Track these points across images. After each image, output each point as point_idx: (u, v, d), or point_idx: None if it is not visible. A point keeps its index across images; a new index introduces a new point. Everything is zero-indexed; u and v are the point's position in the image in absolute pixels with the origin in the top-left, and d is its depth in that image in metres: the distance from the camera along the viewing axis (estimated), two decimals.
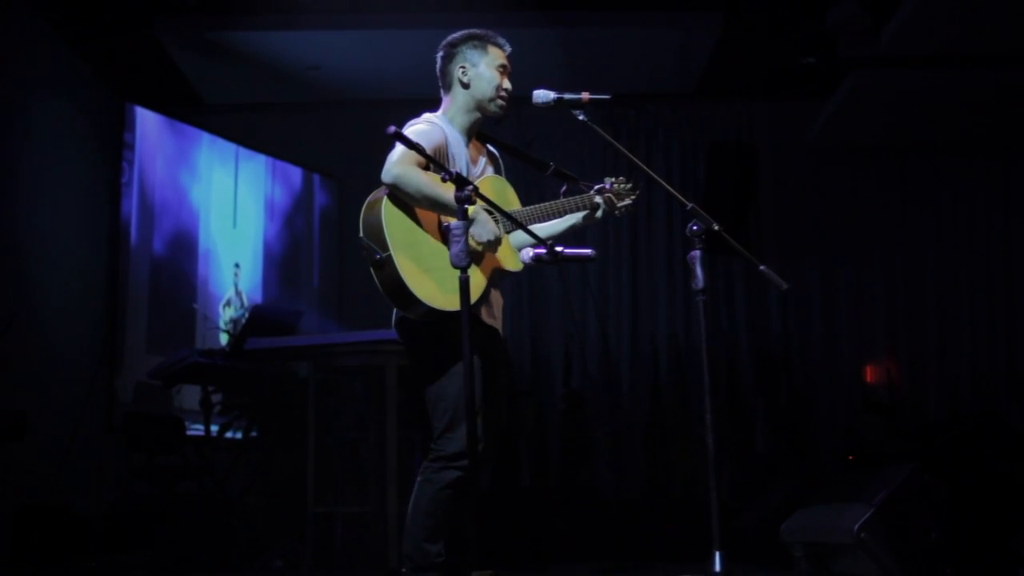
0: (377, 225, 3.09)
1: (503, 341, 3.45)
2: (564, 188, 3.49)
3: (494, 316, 3.37)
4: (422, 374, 3.29)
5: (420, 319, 3.15)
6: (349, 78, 7.35)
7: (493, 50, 3.40)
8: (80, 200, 6.78)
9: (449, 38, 3.44)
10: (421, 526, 3.19)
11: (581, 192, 3.49)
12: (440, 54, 3.44)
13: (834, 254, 8.04)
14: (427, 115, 3.36)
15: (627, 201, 3.53)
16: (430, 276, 3.09)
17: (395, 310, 3.29)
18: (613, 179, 3.51)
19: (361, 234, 3.14)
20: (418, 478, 3.25)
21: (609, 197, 3.51)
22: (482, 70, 3.36)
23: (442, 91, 3.44)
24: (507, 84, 3.40)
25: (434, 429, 3.24)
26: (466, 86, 3.36)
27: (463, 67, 3.36)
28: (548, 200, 3.46)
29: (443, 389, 3.20)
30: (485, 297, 3.30)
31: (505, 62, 3.41)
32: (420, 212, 3.17)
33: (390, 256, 3.06)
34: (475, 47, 3.39)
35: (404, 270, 3.06)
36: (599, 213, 3.49)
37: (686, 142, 8.10)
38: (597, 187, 3.48)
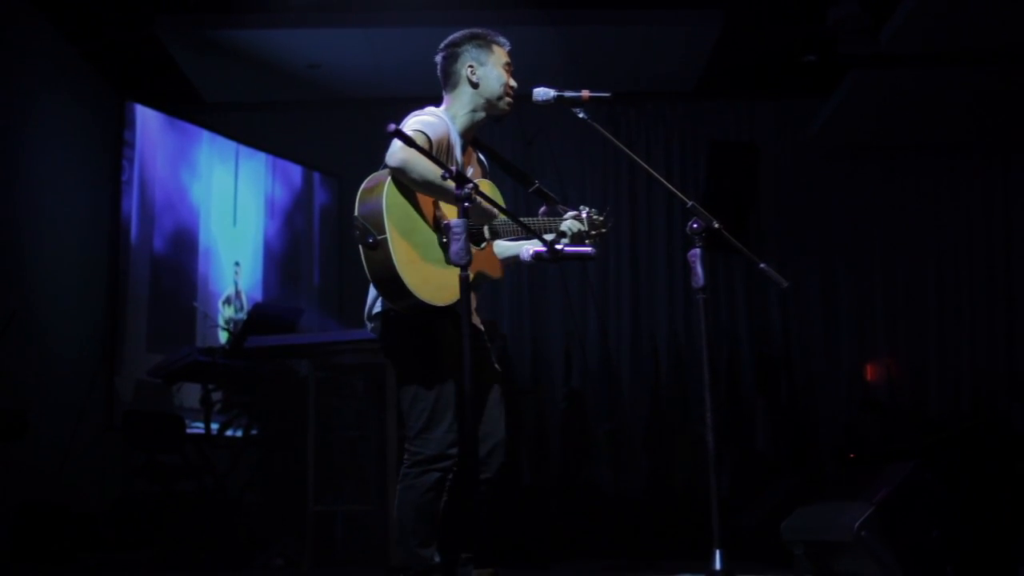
0: (377, 208, 3.07)
1: (485, 338, 3.44)
2: (543, 209, 3.48)
3: (473, 313, 3.38)
4: (399, 372, 3.26)
5: (403, 311, 3.13)
6: (349, 76, 7.34)
7: (497, 48, 3.41)
8: (80, 198, 6.78)
9: (450, 38, 3.44)
10: (412, 533, 3.16)
11: (558, 215, 3.47)
12: (442, 54, 3.42)
13: (834, 252, 8.04)
14: (431, 108, 3.36)
15: (599, 232, 3.48)
16: (421, 267, 3.07)
17: (369, 303, 3.28)
18: (588, 209, 3.48)
19: (356, 214, 3.11)
20: (399, 485, 3.22)
21: (581, 224, 3.45)
22: (490, 68, 3.36)
23: (445, 91, 3.42)
24: (512, 82, 3.40)
25: (409, 429, 3.20)
26: (475, 85, 3.35)
27: (471, 66, 3.35)
28: (523, 214, 3.46)
29: (422, 388, 3.17)
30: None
31: (508, 59, 3.42)
32: (420, 203, 3.16)
33: (386, 240, 3.03)
34: (480, 46, 3.39)
35: (398, 257, 3.04)
36: (563, 241, 3.42)
37: (686, 140, 8.09)
38: (572, 213, 3.44)
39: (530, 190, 3.49)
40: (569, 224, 3.40)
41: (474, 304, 3.41)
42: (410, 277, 3.05)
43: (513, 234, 3.38)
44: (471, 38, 3.40)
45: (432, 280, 3.03)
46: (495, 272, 3.40)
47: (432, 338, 3.13)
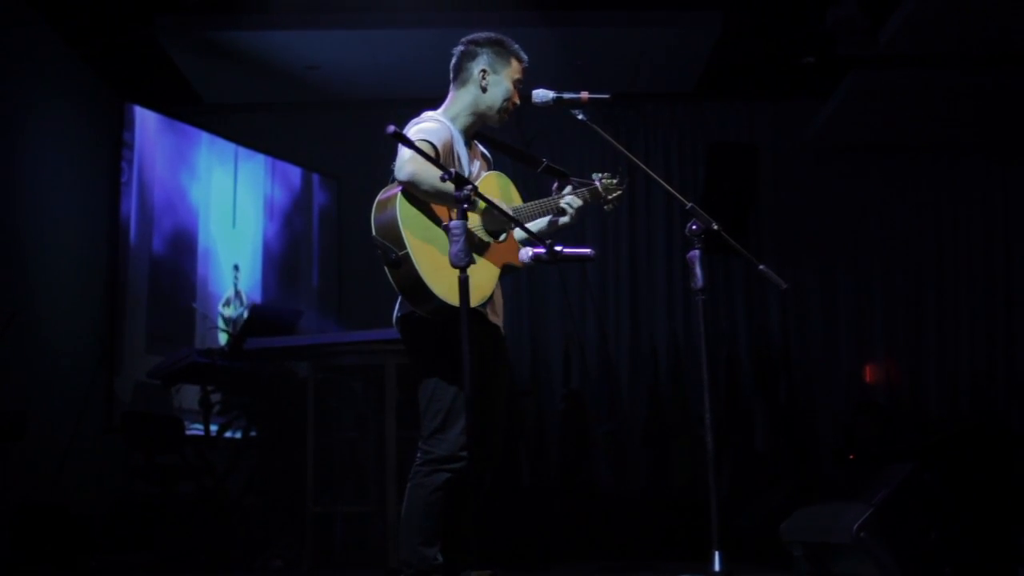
0: (392, 223, 3.09)
1: (504, 339, 3.46)
2: (556, 185, 3.50)
3: (497, 314, 3.39)
4: (419, 372, 3.29)
5: (430, 315, 3.15)
6: (348, 77, 7.34)
7: (514, 62, 3.41)
8: (79, 200, 6.78)
9: (473, 36, 3.44)
10: (417, 530, 3.18)
11: (573, 188, 3.49)
12: (460, 49, 3.43)
13: (833, 254, 8.04)
14: (429, 113, 3.36)
15: (615, 195, 3.53)
16: (445, 273, 3.08)
17: (396, 307, 3.30)
18: (601, 175, 3.52)
19: (374, 233, 3.13)
20: (409, 482, 3.24)
21: (597, 192, 3.49)
22: (501, 79, 3.38)
23: (452, 85, 3.43)
24: (517, 99, 3.41)
25: (424, 428, 3.23)
26: (483, 90, 3.37)
27: (484, 71, 3.37)
28: (539, 197, 3.47)
29: (439, 389, 3.20)
30: (492, 296, 3.30)
31: (521, 76, 3.42)
32: (434, 209, 3.17)
33: (408, 254, 3.06)
34: (499, 54, 3.39)
35: (422, 267, 3.06)
36: (572, 214, 3.45)
37: (685, 142, 8.10)
38: (585, 183, 3.49)
39: (539, 170, 3.51)
40: (583, 193, 3.45)
41: (501, 301, 3.42)
42: (436, 284, 3.07)
43: (530, 219, 3.39)
44: (493, 43, 3.41)
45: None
46: (519, 261, 3.40)
47: (453, 339, 3.14)
